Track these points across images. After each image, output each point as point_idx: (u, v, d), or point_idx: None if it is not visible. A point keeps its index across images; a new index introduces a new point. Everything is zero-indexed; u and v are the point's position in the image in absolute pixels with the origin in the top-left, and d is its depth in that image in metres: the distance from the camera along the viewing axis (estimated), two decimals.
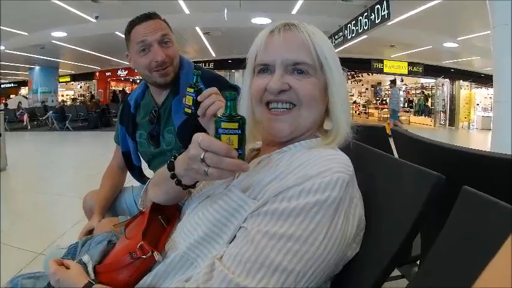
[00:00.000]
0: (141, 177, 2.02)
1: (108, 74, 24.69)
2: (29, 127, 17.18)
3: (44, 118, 17.76)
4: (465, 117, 20.74)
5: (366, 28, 9.56)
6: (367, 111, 26.38)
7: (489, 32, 10.60)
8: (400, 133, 1.73)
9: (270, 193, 0.83)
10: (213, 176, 0.81)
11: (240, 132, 0.82)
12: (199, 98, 1.19)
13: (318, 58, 0.96)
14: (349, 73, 21.47)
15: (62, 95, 26.49)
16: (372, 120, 23.16)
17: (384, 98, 24.89)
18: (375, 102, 26.69)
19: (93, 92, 25.75)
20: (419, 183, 0.86)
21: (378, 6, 8.60)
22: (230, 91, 0.88)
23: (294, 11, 10.52)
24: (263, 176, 0.89)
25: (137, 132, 1.88)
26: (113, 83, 26.19)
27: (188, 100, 1.21)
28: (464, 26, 11.33)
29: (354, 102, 26.78)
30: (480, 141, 14.16)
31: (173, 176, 0.96)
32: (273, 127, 0.98)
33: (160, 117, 1.77)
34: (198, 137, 0.81)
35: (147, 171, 1.95)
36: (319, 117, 0.99)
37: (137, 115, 1.88)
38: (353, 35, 10.56)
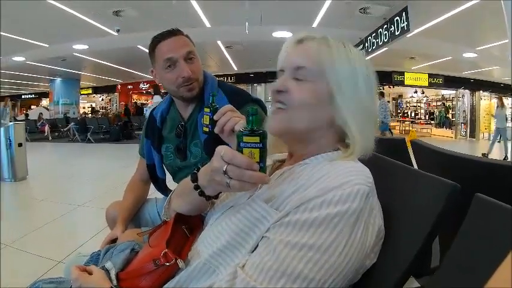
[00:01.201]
0: (164, 190, 2.04)
1: (130, 87, 24.98)
2: (50, 138, 17.43)
3: (65, 130, 18.01)
4: (485, 128, 20.45)
5: (385, 40, 9.53)
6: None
7: (507, 41, 10.47)
8: (419, 145, 1.73)
9: (292, 204, 0.84)
10: (235, 188, 0.83)
11: (261, 145, 0.85)
12: (214, 117, 1.24)
13: (320, 65, 0.97)
14: None
15: (84, 107, 26.84)
16: (394, 133, 22.88)
17: (406, 111, 24.68)
18: (395, 114, 26.40)
19: (116, 105, 26.05)
20: (435, 192, 0.87)
21: (397, 18, 8.58)
22: (252, 105, 0.94)
23: (314, 24, 10.53)
24: (285, 187, 0.91)
25: (163, 146, 1.91)
26: (134, 96, 26.44)
27: (205, 119, 1.28)
28: (482, 35, 11.20)
29: None
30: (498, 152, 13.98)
31: (196, 187, 0.99)
32: (267, 123, 1.01)
33: (187, 131, 1.82)
34: (220, 150, 0.84)
35: (170, 184, 1.97)
36: (319, 124, 0.99)
37: (163, 129, 1.92)
38: (374, 48, 10.51)
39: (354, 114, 0.96)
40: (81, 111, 24.15)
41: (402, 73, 18.33)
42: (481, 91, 20.24)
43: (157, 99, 10.72)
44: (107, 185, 6.47)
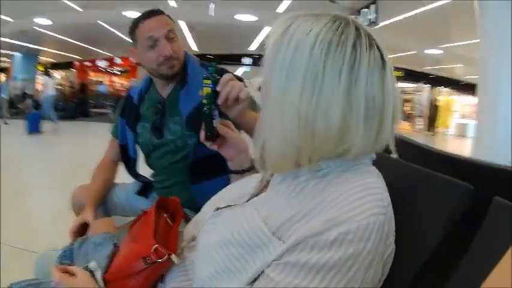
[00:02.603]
0: (135, 171, 2.02)
1: (87, 63, 24.19)
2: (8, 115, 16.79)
3: (21, 106, 17.34)
4: (443, 124, 21.09)
5: None
6: None
7: (473, 41, 10.82)
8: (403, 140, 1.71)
9: (298, 236, 0.72)
10: None
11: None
12: (218, 88, 1.18)
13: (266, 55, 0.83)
14: None
15: (42, 84, 25.95)
16: None
17: None
18: None
19: (72, 81, 25.28)
20: (447, 194, 0.85)
21: (366, 10, 8.63)
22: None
23: (280, 9, 10.48)
24: (293, 206, 0.78)
25: (139, 124, 1.89)
26: (91, 74, 25.79)
27: (206, 91, 1.19)
28: (449, 34, 11.56)
29: None
30: (456, 147, 14.50)
31: None
32: None
33: (166, 108, 1.81)
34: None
35: (141, 168, 1.98)
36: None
37: (140, 107, 1.91)
38: None
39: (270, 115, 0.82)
40: (40, 88, 23.39)
41: None
42: (441, 87, 20.82)
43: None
44: (64, 165, 6.22)
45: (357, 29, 0.77)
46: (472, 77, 18.61)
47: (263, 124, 0.82)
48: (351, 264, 0.68)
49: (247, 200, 0.93)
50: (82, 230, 1.70)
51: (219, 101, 1.18)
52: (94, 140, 9.79)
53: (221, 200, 1.02)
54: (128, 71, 23.62)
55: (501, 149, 5.03)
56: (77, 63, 24.09)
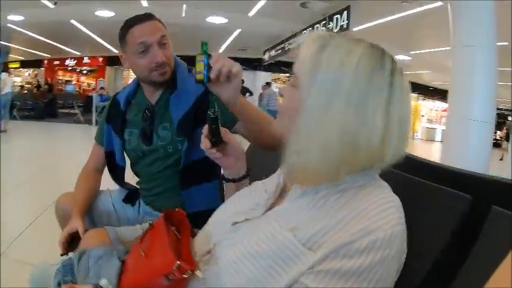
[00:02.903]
0: (122, 179, 1.94)
1: (56, 62, 23.77)
2: None
3: None
4: (411, 128, 21.53)
5: None
6: None
7: (441, 49, 11.09)
8: None
9: (329, 246, 0.79)
10: None
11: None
12: (211, 63, 1.19)
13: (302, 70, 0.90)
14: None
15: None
16: None
17: None
18: None
19: (40, 80, 24.73)
20: (448, 205, 0.93)
21: (338, 16, 8.74)
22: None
23: (251, 13, 10.60)
24: (320, 219, 0.85)
25: (126, 130, 1.83)
26: (60, 73, 25.31)
27: (199, 67, 1.21)
28: (418, 41, 11.82)
29: None
30: (425, 151, 14.82)
31: None
32: None
33: (155, 114, 1.76)
34: None
35: (127, 175, 1.91)
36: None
37: (127, 112, 1.85)
38: None
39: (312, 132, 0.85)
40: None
41: None
42: None
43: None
44: (36, 168, 6.06)
45: (389, 55, 0.87)
46: (439, 82, 19.15)
47: (299, 135, 0.85)
48: (378, 268, 0.76)
49: (264, 213, 0.97)
50: (71, 240, 1.63)
51: (212, 75, 1.19)
52: (61, 144, 9.64)
53: (229, 213, 1.06)
54: (96, 71, 23.32)
55: (472, 155, 5.19)
56: (45, 61, 23.66)
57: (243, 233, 0.94)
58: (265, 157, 1.53)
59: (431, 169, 1.19)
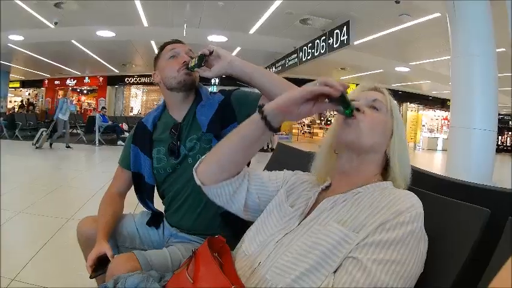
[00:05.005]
0: (151, 200, 1.98)
1: (57, 82, 24.00)
2: None
3: None
4: (411, 138, 21.57)
5: (322, 52, 9.86)
6: (311, 131, 26.77)
7: (439, 58, 11.10)
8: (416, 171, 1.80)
9: (370, 226, 0.99)
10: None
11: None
12: (204, 51, 1.58)
13: (390, 103, 1.23)
14: None
15: (10, 101, 25.32)
16: (316, 139, 23.46)
17: (329, 118, 25.47)
18: (319, 122, 27.28)
19: (41, 100, 24.90)
20: (467, 218, 1.04)
21: (338, 31, 8.84)
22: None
23: (251, 31, 10.74)
24: (355, 212, 1.07)
25: (154, 150, 1.90)
26: (60, 92, 25.38)
27: (196, 58, 1.62)
28: (416, 52, 11.84)
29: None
30: (426, 162, 14.83)
31: (264, 118, 1.11)
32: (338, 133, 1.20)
33: (183, 130, 1.86)
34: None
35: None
36: (377, 148, 1.19)
37: (154, 132, 1.93)
38: (308, 57, 10.83)
39: (400, 151, 1.20)
40: (10, 105, 22.92)
41: None
42: (408, 103, 21.32)
43: None
44: (43, 189, 6.07)
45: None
46: (438, 91, 19.17)
47: (395, 149, 1.20)
48: (410, 238, 0.95)
49: (299, 223, 1.16)
50: (98, 263, 1.64)
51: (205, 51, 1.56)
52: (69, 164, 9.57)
53: (266, 234, 1.20)
54: (96, 91, 23.43)
55: (476, 163, 5.20)
56: (46, 81, 23.85)
57: (288, 241, 1.10)
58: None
59: (446, 184, 1.31)
